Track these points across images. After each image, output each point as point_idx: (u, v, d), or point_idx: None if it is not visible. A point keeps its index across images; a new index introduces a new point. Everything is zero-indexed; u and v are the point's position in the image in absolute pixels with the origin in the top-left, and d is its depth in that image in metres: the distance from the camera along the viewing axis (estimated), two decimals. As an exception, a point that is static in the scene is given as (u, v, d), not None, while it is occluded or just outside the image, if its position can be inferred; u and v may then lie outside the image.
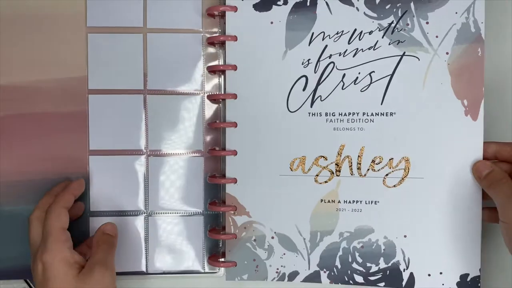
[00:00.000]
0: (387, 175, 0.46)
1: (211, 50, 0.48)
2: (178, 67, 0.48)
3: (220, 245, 0.49)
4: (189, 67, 0.48)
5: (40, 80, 0.48)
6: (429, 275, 0.46)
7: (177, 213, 0.49)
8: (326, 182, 0.46)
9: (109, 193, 0.48)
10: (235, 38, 0.46)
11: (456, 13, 0.45)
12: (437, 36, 0.45)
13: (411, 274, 0.46)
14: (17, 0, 0.48)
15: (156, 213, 0.48)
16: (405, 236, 0.46)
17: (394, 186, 0.46)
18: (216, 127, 0.47)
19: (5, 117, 0.48)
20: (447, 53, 0.45)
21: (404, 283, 0.46)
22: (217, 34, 0.48)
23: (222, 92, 0.48)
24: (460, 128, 0.45)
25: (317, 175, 0.46)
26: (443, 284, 0.46)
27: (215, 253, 0.49)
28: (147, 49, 0.48)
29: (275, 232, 0.47)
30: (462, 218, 0.45)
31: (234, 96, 0.46)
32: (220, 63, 0.48)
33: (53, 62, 0.48)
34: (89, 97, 0.48)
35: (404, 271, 0.46)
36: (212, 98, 0.48)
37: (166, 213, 0.49)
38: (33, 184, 0.48)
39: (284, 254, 0.47)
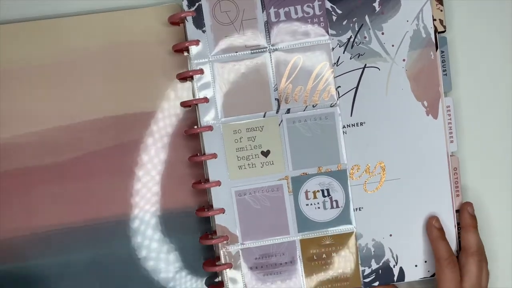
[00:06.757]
0: (366, 181, 0.49)
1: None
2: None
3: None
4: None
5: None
6: (415, 265, 0.49)
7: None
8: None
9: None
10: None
11: (407, 21, 0.48)
12: (393, 45, 0.48)
13: (401, 268, 0.49)
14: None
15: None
16: (390, 235, 0.49)
17: (374, 190, 0.49)
18: (197, 161, 0.48)
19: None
20: (403, 60, 0.48)
21: (395, 278, 0.49)
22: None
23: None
24: (424, 127, 0.49)
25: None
26: (428, 271, 0.49)
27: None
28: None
29: (270, 253, 0.48)
30: (437, 209, 0.49)
31: (210, 128, 0.47)
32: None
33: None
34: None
35: (394, 267, 0.49)
36: (191, 133, 0.48)
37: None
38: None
39: (281, 272, 0.49)
